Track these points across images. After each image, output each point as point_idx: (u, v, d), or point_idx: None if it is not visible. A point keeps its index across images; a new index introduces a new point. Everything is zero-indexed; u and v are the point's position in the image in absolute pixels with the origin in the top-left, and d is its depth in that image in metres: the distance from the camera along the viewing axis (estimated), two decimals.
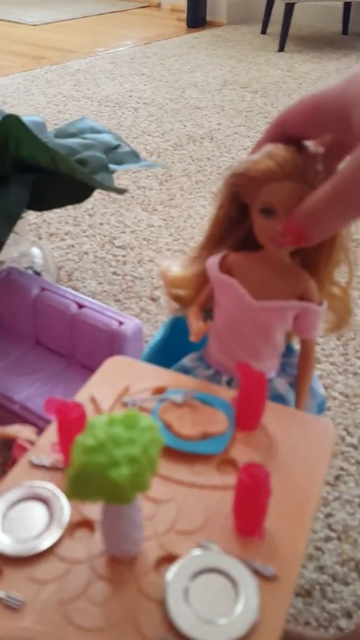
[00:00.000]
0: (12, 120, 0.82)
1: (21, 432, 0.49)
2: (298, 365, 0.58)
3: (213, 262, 0.54)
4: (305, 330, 0.55)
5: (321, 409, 0.63)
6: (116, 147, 0.91)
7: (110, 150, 0.90)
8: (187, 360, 0.61)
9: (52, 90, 2.26)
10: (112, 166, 0.87)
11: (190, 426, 0.50)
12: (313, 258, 0.53)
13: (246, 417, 0.50)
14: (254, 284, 0.53)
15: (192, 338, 0.55)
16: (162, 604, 0.38)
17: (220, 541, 0.41)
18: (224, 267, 0.54)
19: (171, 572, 0.39)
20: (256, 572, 0.39)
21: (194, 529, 0.42)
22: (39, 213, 1.41)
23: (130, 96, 2.21)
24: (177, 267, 0.58)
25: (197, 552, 0.40)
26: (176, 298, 0.59)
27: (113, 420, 0.36)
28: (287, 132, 0.46)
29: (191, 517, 0.43)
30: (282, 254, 0.52)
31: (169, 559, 0.40)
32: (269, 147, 0.47)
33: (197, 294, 0.58)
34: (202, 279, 0.57)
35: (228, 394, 0.54)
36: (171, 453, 0.48)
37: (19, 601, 0.37)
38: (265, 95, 2.25)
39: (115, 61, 2.65)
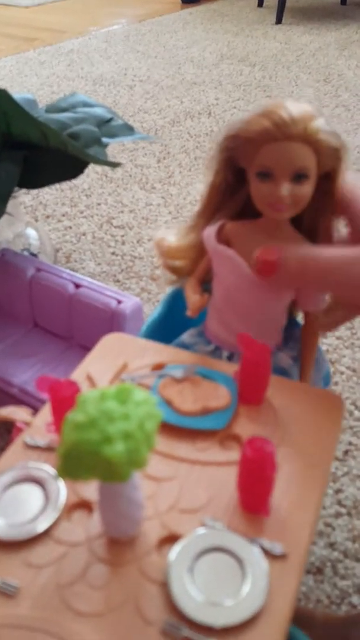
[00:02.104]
0: (0, 95, 0.79)
1: (15, 413, 0.47)
2: (302, 339, 0.56)
3: (210, 232, 0.52)
4: (307, 302, 0.52)
5: (327, 382, 0.61)
6: (109, 120, 0.88)
7: (103, 123, 0.87)
8: (186, 337, 0.59)
9: (45, 72, 2.22)
10: (105, 139, 0.84)
11: (191, 401, 0.47)
12: (314, 224, 0.50)
13: (250, 391, 0.48)
14: (252, 254, 0.50)
15: (189, 313, 0.53)
16: (165, 585, 0.36)
17: (225, 519, 0.39)
18: (222, 237, 0.52)
19: (174, 552, 0.37)
20: (264, 551, 0.37)
21: (197, 507, 0.40)
22: (34, 195, 1.38)
23: (125, 74, 2.16)
24: (172, 237, 0.56)
25: (201, 530, 0.38)
26: (172, 269, 0.57)
27: (105, 395, 0.34)
28: None
29: (194, 494, 0.41)
30: (282, 221, 0.49)
31: (172, 538, 0.38)
32: (265, 105, 0.44)
33: (193, 265, 0.55)
34: (198, 249, 0.54)
35: (230, 368, 0.51)
36: (172, 430, 0.46)
37: (14, 587, 0.36)
38: (264, 68, 2.19)
39: (109, 40, 2.60)
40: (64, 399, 0.43)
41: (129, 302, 0.80)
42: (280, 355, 0.56)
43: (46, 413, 0.47)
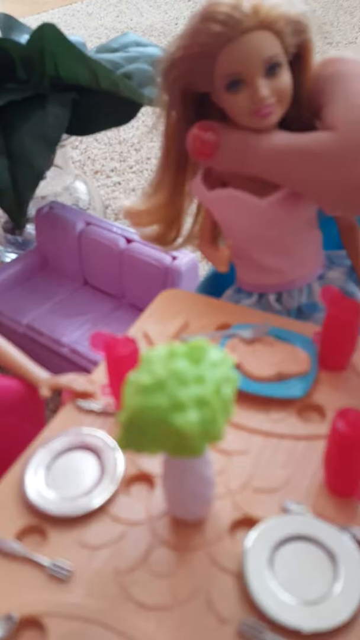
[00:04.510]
0: (48, 30, 0.73)
1: (75, 382, 0.42)
2: (346, 248, 0.50)
3: (196, 183, 0.46)
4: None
5: None
6: None
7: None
8: (225, 297, 0.53)
9: (93, 23, 2.13)
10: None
11: (265, 366, 0.41)
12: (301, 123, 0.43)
13: (333, 354, 0.41)
14: (254, 182, 0.44)
15: (221, 269, 0.48)
16: (240, 577, 0.30)
17: (308, 502, 0.34)
18: (214, 183, 0.46)
19: (250, 538, 0.31)
20: (357, 542, 0.31)
21: (274, 486, 0.35)
22: (82, 150, 1.32)
23: (176, 24, 2.05)
24: (139, 202, 0.50)
25: (281, 515, 0.33)
26: (155, 239, 0.51)
27: (175, 353, 0.28)
28: None
29: (270, 472, 0.36)
30: (273, 129, 0.42)
31: (246, 522, 0.33)
32: (200, 9, 0.39)
33: (169, 228, 0.50)
34: (171, 208, 0.49)
35: (308, 328, 0.45)
36: (242, 397, 0.40)
37: (67, 570, 0.31)
38: (324, 14, 2.04)
39: None
40: (121, 357, 0.38)
41: (184, 259, 0.74)
42: (330, 274, 0.51)
43: (101, 373, 0.42)
